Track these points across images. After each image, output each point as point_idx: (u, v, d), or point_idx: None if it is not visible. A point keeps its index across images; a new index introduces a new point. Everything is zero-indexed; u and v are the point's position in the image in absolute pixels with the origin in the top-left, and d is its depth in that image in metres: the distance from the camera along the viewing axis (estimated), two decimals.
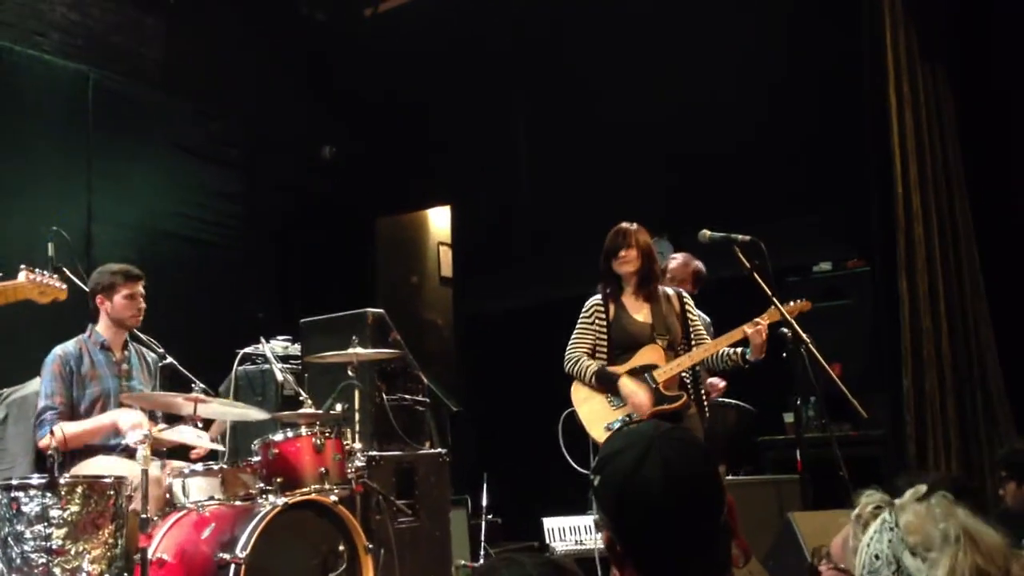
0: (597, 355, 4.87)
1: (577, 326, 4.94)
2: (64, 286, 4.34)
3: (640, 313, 4.88)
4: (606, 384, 4.75)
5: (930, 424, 5.93)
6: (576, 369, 4.84)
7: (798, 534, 4.04)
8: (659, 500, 1.63)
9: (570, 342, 4.92)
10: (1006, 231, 6.44)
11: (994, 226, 6.39)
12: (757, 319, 4.73)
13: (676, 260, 5.99)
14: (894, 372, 6.12)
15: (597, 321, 4.88)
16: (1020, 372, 6.16)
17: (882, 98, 6.32)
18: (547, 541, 6.40)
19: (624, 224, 4.91)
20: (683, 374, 4.83)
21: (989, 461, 5.81)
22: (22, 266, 4.21)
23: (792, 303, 4.95)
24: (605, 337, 4.86)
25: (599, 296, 4.93)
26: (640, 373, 4.75)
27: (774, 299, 4.76)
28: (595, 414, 4.75)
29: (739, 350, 4.81)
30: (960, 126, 6.41)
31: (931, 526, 1.76)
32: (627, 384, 4.70)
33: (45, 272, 4.34)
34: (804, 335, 4.79)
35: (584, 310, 4.94)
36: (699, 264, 5.91)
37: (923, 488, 1.84)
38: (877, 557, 1.79)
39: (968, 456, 5.92)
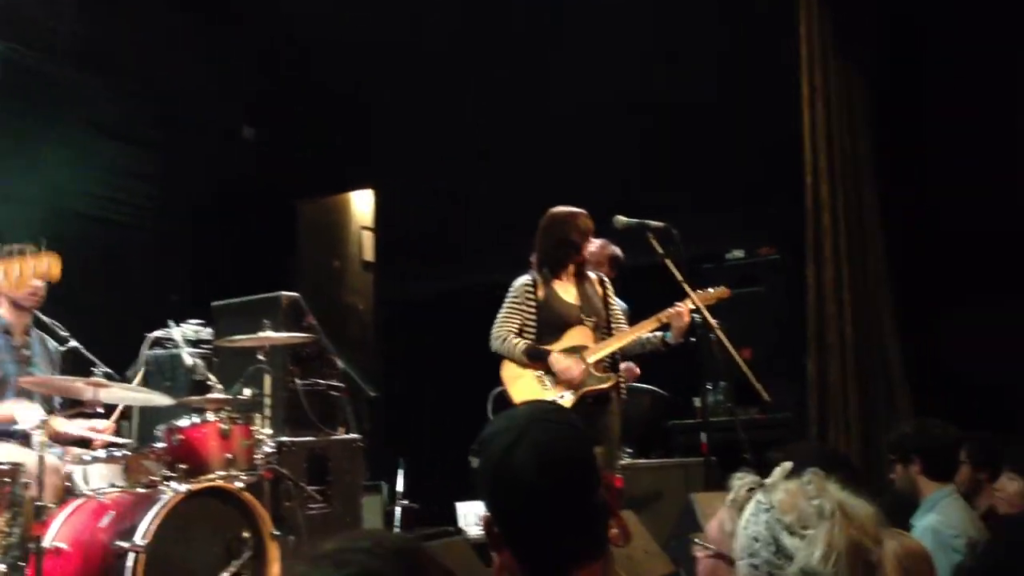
0: (525, 335, 4.91)
1: (505, 306, 4.97)
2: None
3: (569, 294, 4.97)
4: (537, 360, 4.81)
5: (832, 408, 6.08)
6: (504, 346, 4.87)
7: (699, 515, 4.11)
8: (530, 483, 1.65)
9: (497, 321, 4.95)
10: (911, 222, 6.61)
11: (900, 217, 6.56)
12: (679, 303, 4.82)
13: (594, 244, 6.04)
14: (800, 357, 6.26)
15: (527, 301, 4.92)
16: (920, 358, 6.34)
17: (794, 89, 6.43)
18: (461, 525, 6.44)
19: (585, 212, 4.95)
20: (605, 361, 4.89)
21: (884, 444, 5.98)
22: None
23: (711, 290, 5.05)
24: (534, 317, 4.91)
25: (529, 277, 4.97)
26: (571, 354, 4.82)
27: (684, 284, 4.84)
28: (527, 392, 4.79)
29: (660, 334, 4.92)
30: (870, 119, 6.55)
31: (805, 503, 1.79)
32: (559, 360, 4.77)
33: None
34: (712, 321, 4.87)
35: (512, 290, 4.97)
36: (616, 249, 5.96)
37: (789, 465, 1.88)
38: (756, 539, 1.81)
39: (868, 439, 6.08)
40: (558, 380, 4.79)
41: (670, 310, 4.85)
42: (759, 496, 1.87)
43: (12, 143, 6.76)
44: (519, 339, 4.87)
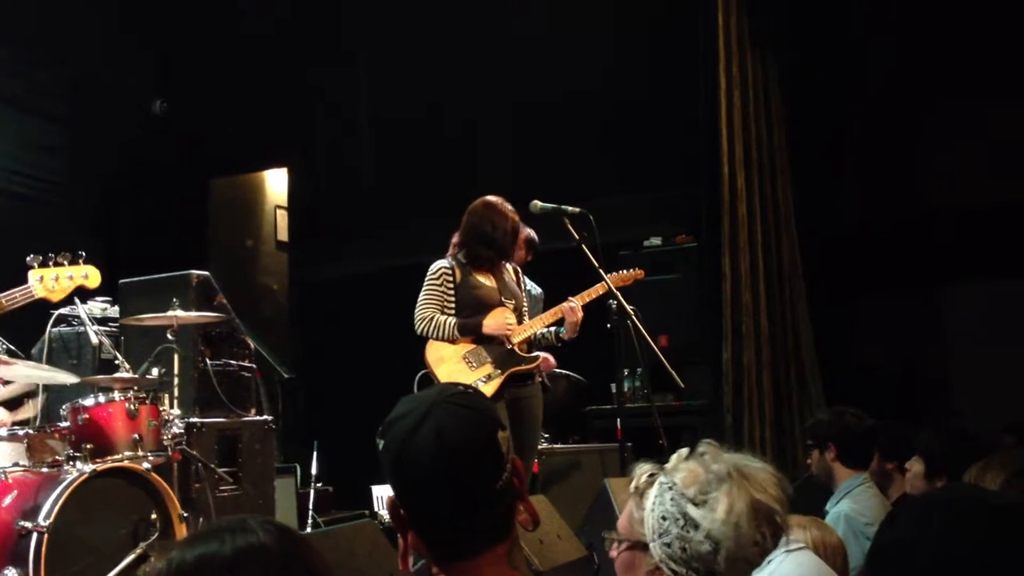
0: (447, 316, 4.88)
1: (424, 289, 4.93)
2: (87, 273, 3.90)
3: (486, 278, 4.96)
4: (470, 332, 4.81)
5: (747, 395, 6.18)
6: (433, 326, 4.84)
7: (612, 500, 4.13)
8: (430, 466, 1.64)
9: (419, 304, 4.92)
10: (825, 213, 6.76)
11: (814, 208, 6.69)
12: (572, 298, 4.84)
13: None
14: (716, 345, 6.34)
15: (445, 284, 4.90)
16: (832, 346, 6.49)
17: (712, 79, 6.50)
18: (376, 509, 6.40)
19: (511, 210, 4.93)
20: (524, 342, 4.91)
21: (801, 431, 6.10)
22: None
23: (625, 271, 5.09)
24: (453, 300, 4.89)
25: (446, 261, 4.94)
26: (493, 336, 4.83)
27: (600, 270, 4.87)
28: (453, 375, 4.76)
29: (553, 329, 4.94)
30: (786, 112, 6.66)
31: (703, 473, 1.82)
32: (491, 321, 4.80)
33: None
34: (628, 307, 4.90)
35: (431, 274, 4.94)
36: (531, 232, 5.95)
37: (686, 451, 1.91)
38: (664, 518, 1.84)
39: (781, 426, 6.21)
40: (491, 356, 4.78)
41: (564, 305, 4.90)
42: (661, 478, 1.89)
43: None
44: (446, 316, 4.85)
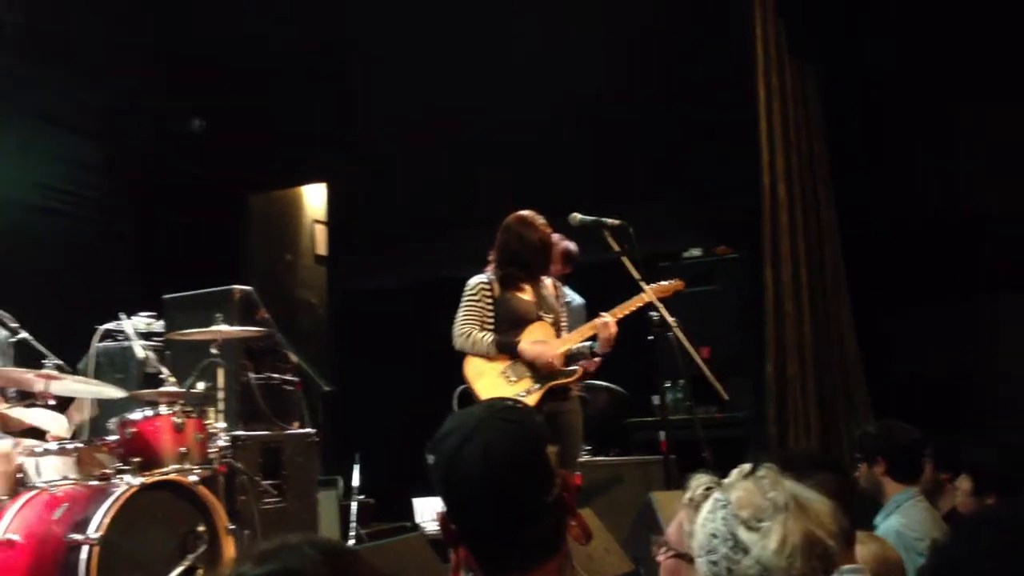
0: (486, 332, 4.88)
1: (463, 305, 4.94)
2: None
3: (524, 292, 4.96)
4: (506, 351, 4.80)
5: (791, 407, 6.13)
6: (471, 341, 4.84)
7: (658, 513, 4.11)
8: (479, 482, 1.66)
9: (458, 319, 4.93)
10: (867, 222, 6.69)
11: (856, 217, 6.63)
12: (604, 314, 4.81)
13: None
14: (759, 356, 6.30)
15: (484, 299, 4.91)
16: (877, 357, 6.42)
17: (751, 89, 6.48)
18: (417, 521, 6.41)
19: (540, 220, 4.93)
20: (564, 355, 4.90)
21: (847, 444, 6.04)
22: None
23: (666, 283, 5.06)
24: (492, 314, 4.89)
25: (484, 276, 4.95)
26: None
27: (641, 282, 4.85)
28: (492, 389, 4.76)
29: (589, 343, 4.93)
30: (825, 119, 6.62)
31: (760, 497, 1.80)
32: (530, 348, 4.78)
33: None
34: (671, 319, 4.88)
35: (469, 289, 4.95)
36: (569, 244, 5.94)
37: (747, 467, 1.89)
38: (714, 535, 1.82)
39: (827, 438, 6.14)
40: (531, 371, 4.78)
41: (597, 320, 4.87)
42: (717, 494, 1.88)
43: None
44: (485, 333, 4.85)
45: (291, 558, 1.33)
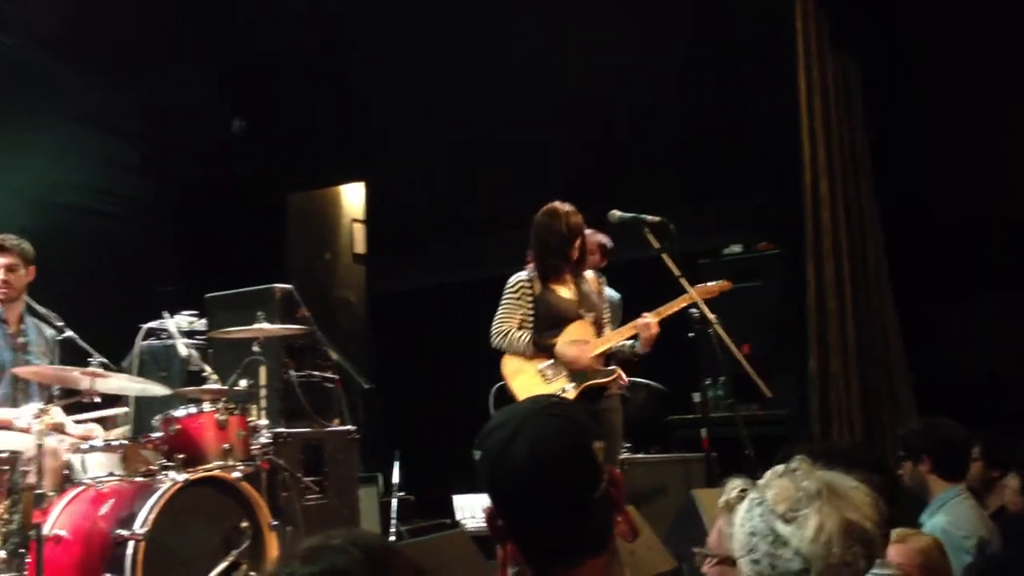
0: (524, 330, 4.87)
1: (503, 303, 4.94)
2: None
3: (566, 290, 4.94)
4: (543, 352, 4.81)
5: (834, 404, 6.06)
6: (507, 340, 4.85)
7: (700, 511, 4.08)
8: (526, 477, 1.65)
9: (497, 317, 4.93)
10: (910, 218, 6.61)
11: (899, 212, 6.56)
12: (646, 314, 4.78)
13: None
14: (800, 353, 6.24)
15: (524, 297, 4.90)
16: (922, 354, 6.34)
17: (792, 84, 6.42)
18: (458, 518, 6.41)
19: (573, 210, 4.89)
20: (602, 355, 4.89)
21: (892, 441, 5.96)
22: None
23: (712, 283, 5.02)
24: (532, 313, 4.89)
25: (525, 273, 4.94)
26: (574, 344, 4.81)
27: (681, 279, 4.81)
28: (529, 387, 4.76)
29: (631, 342, 4.90)
30: (867, 113, 6.54)
31: (794, 489, 1.79)
32: (565, 351, 4.77)
33: None
34: (711, 315, 4.85)
35: (509, 287, 4.94)
36: (603, 237, 5.90)
37: (781, 467, 1.88)
38: (753, 534, 1.81)
39: (871, 436, 6.07)
40: (567, 370, 4.77)
41: (639, 321, 4.84)
42: (752, 493, 1.87)
43: (1, 136, 6.68)
44: (522, 331, 4.84)
45: (337, 558, 1.35)
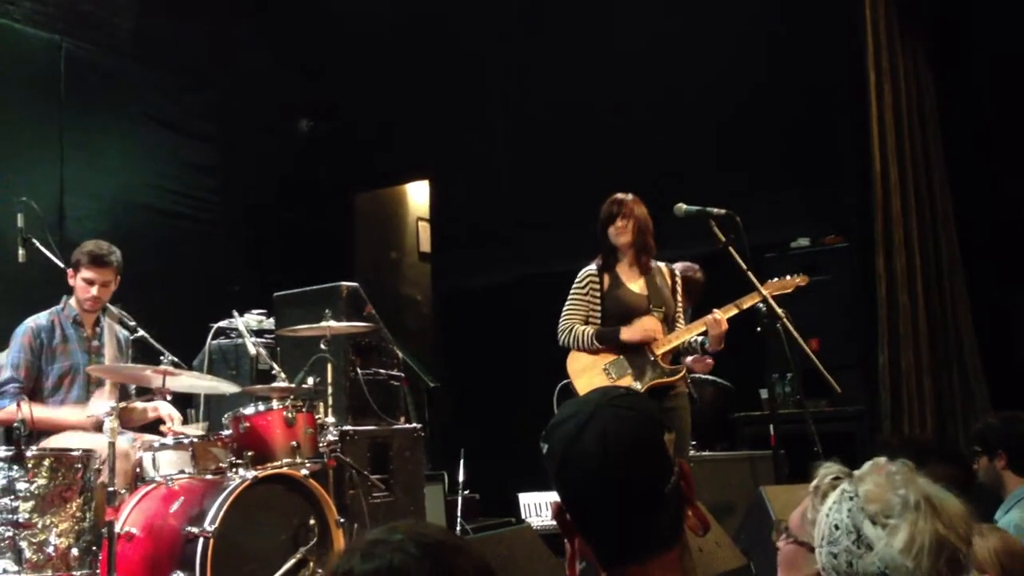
0: (591, 325, 4.85)
1: (570, 297, 4.93)
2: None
3: (635, 284, 4.90)
4: (607, 341, 4.77)
5: (906, 400, 5.93)
6: (572, 337, 4.82)
7: (768, 508, 4.03)
8: (596, 469, 1.61)
9: (563, 313, 4.91)
10: (984, 210, 6.44)
11: (973, 204, 6.40)
12: (716, 310, 4.73)
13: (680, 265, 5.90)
14: (871, 348, 6.11)
15: (591, 291, 4.87)
16: (996, 349, 6.18)
17: (861, 73, 6.29)
18: (523, 516, 6.42)
19: (619, 195, 4.88)
20: (669, 353, 4.86)
21: (965, 437, 5.83)
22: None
23: (788, 277, 4.95)
24: (599, 308, 4.86)
25: (593, 266, 4.92)
26: (639, 345, 4.77)
27: (748, 273, 4.75)
28: (592, 386, 4.69)
29: (699, 339, 4.83)
30: (939, 104, 6.40)
31: (890, 493, 1.73)
32: (631, 329, 4.74)
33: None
34: (779, 310, 4.78)
35: (577, 281, 4.93)
36: (699, 274, 5.93)
37: (882, 460, 1.82)
38: (836, 527, 1.76)
39: (944, 432, 5.93)
40: (632, 368, 4.73)
41: (708, 317, 4.77)
42: (845, 485, 1.81)
43: (77, 136, 6.84)
44: (586, 326, 4.82)
45: (395, 555, 1.33)
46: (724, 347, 4.88)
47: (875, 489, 1.75)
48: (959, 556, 1.71)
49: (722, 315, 4.74)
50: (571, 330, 4.83)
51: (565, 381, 4.95)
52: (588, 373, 4.80)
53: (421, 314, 9.41)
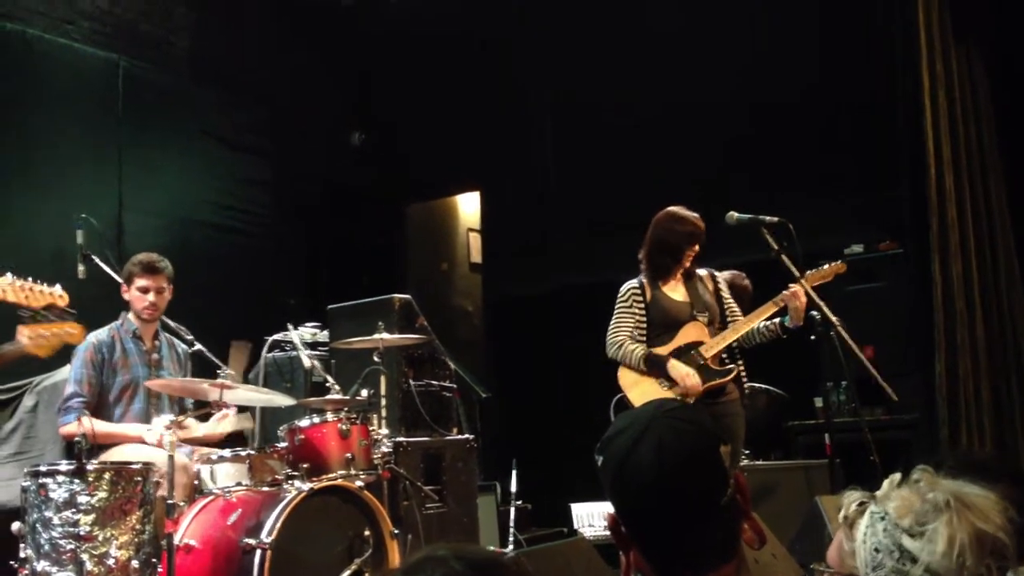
0: (637, 337, 4.86)
1: (616, 311, 4.94)
2: (61, 293, 3.93)
3: (677, 293, 4.93)
4: (656, 368, 4.78)
5: (963, 409, 5.82)
6: (621, 353, 4.84)
7: (825, 518, 4.00)
8: (652, 482, 1.61)
9: (611, 327, 4.92)
10: None
11: None
12: (792, 284, 4.72)
13: (726, 274, 5.86)
14: (927, 356, 6.02)
15: (635, 304, 4.89)
16: None
17: (915, 78, 6.22)
18: (575, 527, 6.41)
19: (697, 218, 4.90)
20: (723, 354, 4.84)
21: None
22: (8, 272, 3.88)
23: (826, 265, 4.93)
24: (644, 319, 4.87)
25: (635, 280, 4.93)
26: (687, 351, 4.80)
27: (801, 280, 4.73)
28: (646, 396, 4.73)
29: (777, 320, 4.82)
30: (994, 108, 6.29)
31: (919, 502, 1.72)
32: (677, 367, 4.73)
33: (32, 280, 3.87)
34: (833, 318, 4.74)
35: (620, 295, 4.94)
36: (746, 282, 5.90)
37: (898, 476, 1.81)
38: (877, 550, 1.74)
39: (1002, 441, 5.82)
40: (688, 352, 4.78)
41: (785, 292, 4.77)
42: (872, 507, 1.80)
43: (135, 154, 6.98)
44: (636, 345, 4.82)
45: (437, 571, 1.34)
46: (776, 353, 4.88)
47: (902, 503, 1.73)
48: (1001, 546, 1.69)
49: (799, 287, 4.71)
50: (621, 345, 4.84)
51: (620, 395, 4.94)
52: (642, 384, 4.81)
53: (472, 325, 9.44)
